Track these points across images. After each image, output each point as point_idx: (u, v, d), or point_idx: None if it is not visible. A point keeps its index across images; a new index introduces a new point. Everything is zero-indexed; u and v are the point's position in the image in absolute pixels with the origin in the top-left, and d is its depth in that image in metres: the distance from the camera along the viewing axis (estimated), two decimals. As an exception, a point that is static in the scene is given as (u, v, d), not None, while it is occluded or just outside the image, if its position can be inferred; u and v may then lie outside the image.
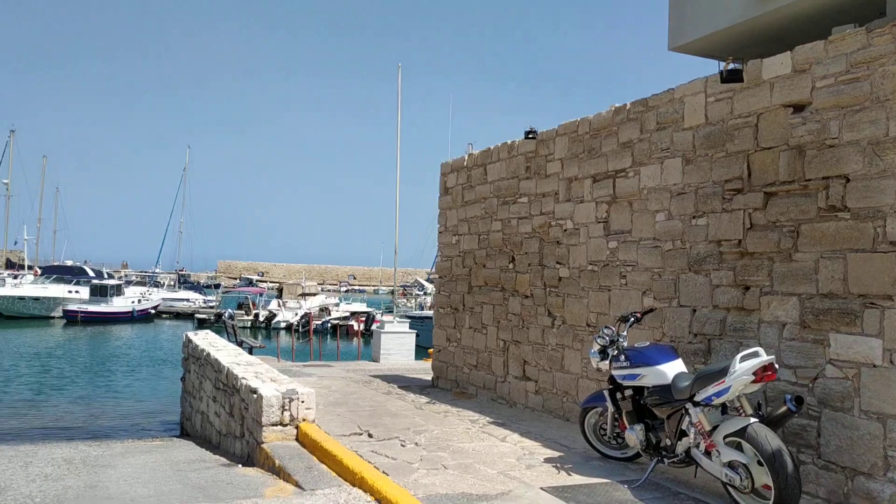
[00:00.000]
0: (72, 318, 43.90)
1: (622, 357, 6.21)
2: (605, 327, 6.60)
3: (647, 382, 5.99)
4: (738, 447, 5.22)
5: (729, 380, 5.16)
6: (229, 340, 15.62)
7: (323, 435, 7.52)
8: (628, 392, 6.21)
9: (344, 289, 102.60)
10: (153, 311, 51.17)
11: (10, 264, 67.01)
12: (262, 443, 7.78)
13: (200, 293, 63.88)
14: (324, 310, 47.22)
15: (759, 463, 5.06)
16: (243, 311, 46.99)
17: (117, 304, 47.58)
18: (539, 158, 9.47)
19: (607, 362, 6.43)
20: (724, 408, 5.50)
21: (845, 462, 5.41)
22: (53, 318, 45.28)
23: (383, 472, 6.14)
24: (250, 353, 14.36)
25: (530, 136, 9.45)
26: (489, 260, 10.53)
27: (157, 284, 63.98)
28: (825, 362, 5.60)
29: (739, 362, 5.15)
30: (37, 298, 45.91)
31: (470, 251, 11.07)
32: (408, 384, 12.14)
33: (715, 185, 6.77)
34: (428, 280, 64.73)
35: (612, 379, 6.40)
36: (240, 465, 7.96)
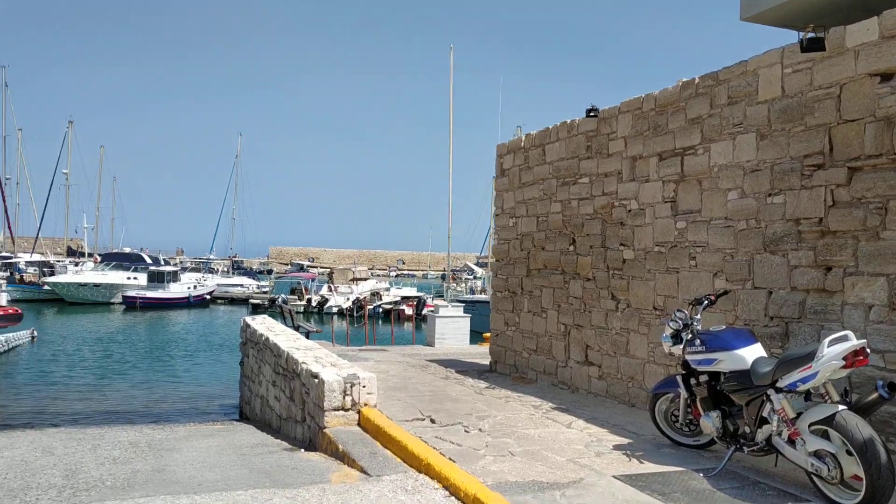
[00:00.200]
0: (131, 304, 44.96)
1: (697, 341, 5.96)
2: (678, 310, 6.35)
3: (723, 368, 5.74)
4: (825, 435, 4.95)
5: (816, 365, 4.89)
6: (286, 325, 15.71)
7: (385, 420, 7.45)
8: (703, 378, 5.96)
9: (394, 273, 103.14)
10: (208, 297, 52.12)
11: (70, 252, 68.96)
12: (325, 428, 7.75)
13: (254, 279, 64.89)
14: (375, 294, 47.45)
15: (849, 452, 4.79)
16: (296, 297, 47.55)
17: (174, 290, 48.58)
18: (601, 137, 9.20)
19: (680, 347, 6.19)
20: (807, 394, 5.23)
21: (941, 452, 5.11)
22: (113, 303, 46.46)
23: (450, 459, 6.03)
24: (307, 337, 14.42)
25: (591, 114, 9.18)
26: (548, 242, 10.31)
27: (211, 270, 65.17)
28: (918, 346, 5.29)
29: (828, 346, 4.88)
30: (97, 285, 47.12)
31: (528, 234, 10.87)
32: (465, 369, 12.04)
33: (793, 161, 6.45)
34: (477, 264, 64.63)
35: (685, 364, 6.16)
36: (302, 450, 7.95)
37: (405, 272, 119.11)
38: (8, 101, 61.03)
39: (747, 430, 5.61)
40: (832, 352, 4.84)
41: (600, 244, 9.13)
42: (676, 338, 6.26)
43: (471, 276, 60.06)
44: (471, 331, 17.87)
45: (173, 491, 5.95)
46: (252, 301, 49.90)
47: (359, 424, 7.85)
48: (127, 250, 61.49)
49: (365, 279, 55.79)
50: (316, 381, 8.19)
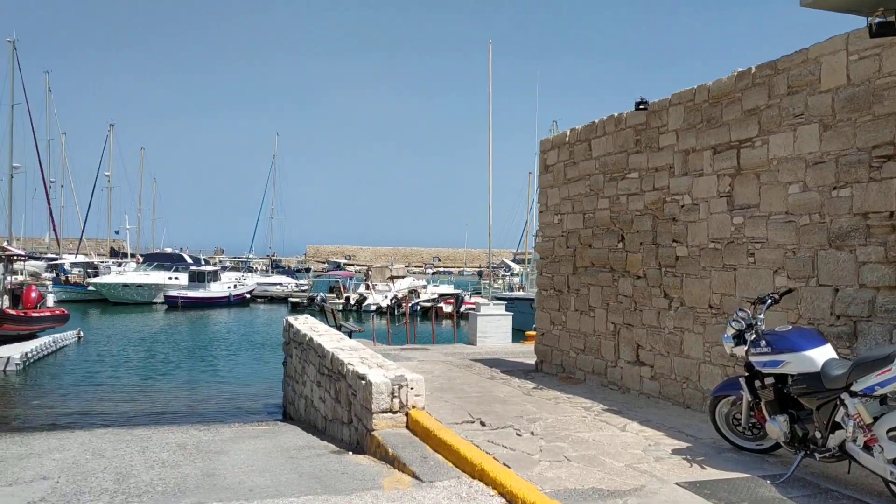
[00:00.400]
0: (172, 304, 45.57)
1: (762, 342, 5.70)
2: (740, 310, 6.10)
3: (791, 370, 5.48)
4: (905, 442, 4.68)
5: (897, 367, 4.62)
6: (328, 324, 15.69)
7: (435, 423, 7.31)
8: (769, 380, 5.70)
9: (431, 271, 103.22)
10: (248, 296, 52.65)
11: (113, 253, 70.12)
12: (373, 430, 7.64)
13: (292, 277, 65.37)
14: (412, 292, 47.42)
15: (932, 460, 4.52)
16: (334, 295, 47.76)
17: (215, 290, 49.16)
18: (650, 131, 8.94)
19: (743, 348, 5.94)
20: (883, 398, 4.96)
21: None
22: (155, 303, 47.13)
23: (504, 465, 5.87)
24: (350, 336, 14.37)
25: (641, 107, 8.93)
26: (595, 239, 10.08)
27: (250, 270, 65.80)
28: None
29: (908, 348, 4.61)
30: (140, 285, 47.83)
31: (574, 231, 10.64)
32: (510, 368, 11.86)
33: (860, 153, 6.15)
34: (514, 260, 64.28)
35: (749, 366, 5.90)
36: (350, 453, 7.85)
37: (441, 269, 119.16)
38: (52, 106, 62.19)
39: (818, 435, 5.35)
40: (914, 354, 4.57)
41: (651, 241, 8.88)
42: (739, 338, 6.01)
43: (507, 273, 59.75)
44: (512, 329, 17.69)
45: (224, 497, 5.88)
46: (291, 300, 50.26)
47: (407, 427, 7.73)
48: (168, 251, 62.36)
49: (402, 277, 55.86)
50: (363, 382, 8.08)
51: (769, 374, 5.69)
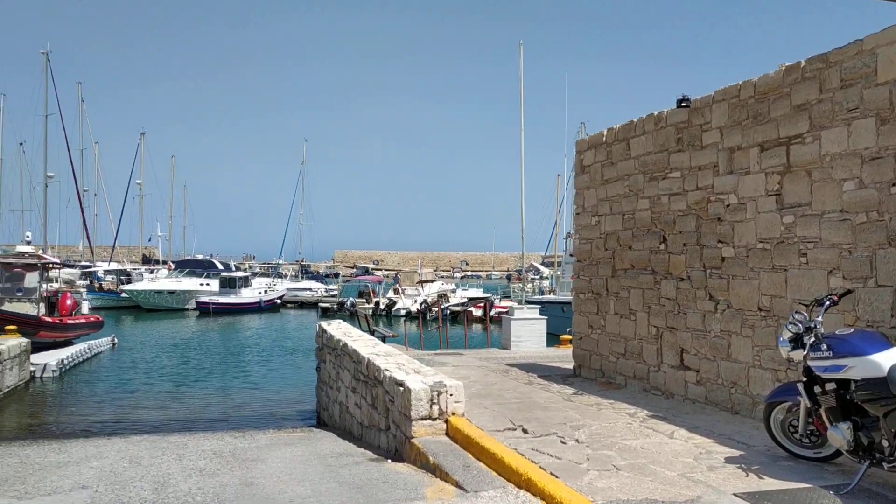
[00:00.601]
0: (204, 310, 45.87)
1: (822, 346, 5.44)
2: (796, 312, 5.84)
3: (854, 375, 5.22)
4: (982, 451, 4.41)
5: (973, 373, 4.35)
6: (361, 329, 15.58)
7: (476, 430, 7.14)
8: (829, 386, 5.44)
9: (459, 275, 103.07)
10: (279, 302, 52.85)
11: (145, 260, 70.92)
12: (412, 438, 7.48)
13: (321, 283, 65.59)
14: (442, 296, 47.26)
15: None
16: (364, 300, 47.77)
17: (246, 296, 49.39)
18: (693, 129, 8.69)
19: (801, 352, 5.68)
20: (955, 405, 4.69)
21: None
22: (187, 309, 47.49)
23: (551, 474, 5.67)
24: (383, 341, 14.25)
25: (683, 104, 8.69)
26: (636, 241, 9.83)
27: (280, 275, 66.13)
28: None
29: None
30: (172, 291, 48.23)
31: (612, 232, 10.41)
32: (548, 373, 11.64)
33: (922, 146, 5.87)
34: (543, 263, 63.89)
35: (807, 371, 5.65)
36: (389, 461, 7.70)
37: (469, 273, 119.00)
38: (84, 116, 63.09)
39: (885, 443, 5.08)
40: None
41: (695, 242, 8.62)
42: (796, 342, 5.75)
43: (537, 277, 59.41)
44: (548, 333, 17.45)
45: (265, 508, 5.76)
46: (321, 305, 50.35)
47: (447, 434, 7.56)
48: (199, 257, 62.82)
49: (431, 281, 55.72)
50: (401, 389, 7.93)
51: (830, 380, 5.43)
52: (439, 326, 20.54)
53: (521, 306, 18.06)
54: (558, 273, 43.84)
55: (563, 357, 14.21)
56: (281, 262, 74.00)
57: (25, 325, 21.00)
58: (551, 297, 35.15)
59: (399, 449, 7.95)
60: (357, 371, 10.34)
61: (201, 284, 49.35)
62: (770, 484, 5.44)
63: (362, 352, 10.23)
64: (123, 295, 47.72)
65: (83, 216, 55.55)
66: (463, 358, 14.26)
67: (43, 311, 23.38)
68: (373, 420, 9.32)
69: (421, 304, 42.19)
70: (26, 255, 24.39)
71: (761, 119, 7.62)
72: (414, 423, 7.54)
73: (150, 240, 72.41)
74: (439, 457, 6.73)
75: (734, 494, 5.16)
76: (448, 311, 42.76)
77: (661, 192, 9.27)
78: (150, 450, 9.13)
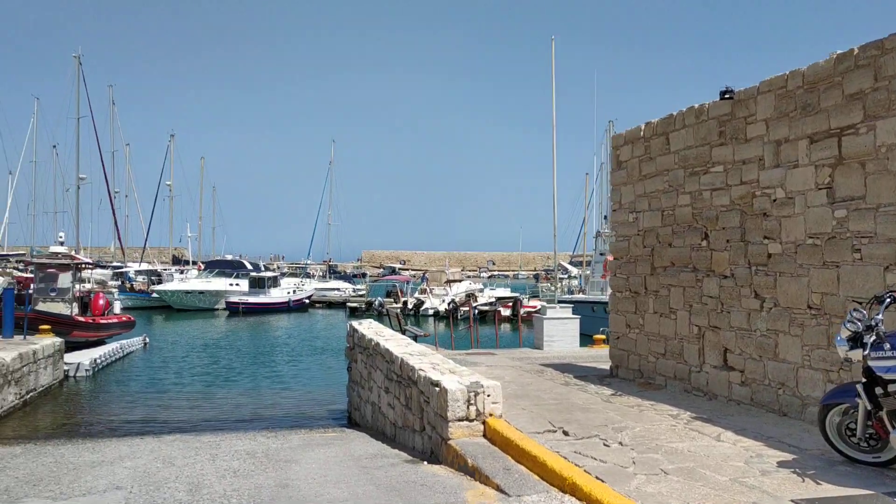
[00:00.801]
0: (234, 310, 46.14)
1: (885, 346, 5.18)
2: (854, 310, 5.57)
3: (919, 376, 4.95)
4: None
5: None
6: (392, 329, 15.45)
7: (515, 432, 6.94)
8: (893, 387, 5.18)
9: (486, 274, 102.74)
10: (307, 301, 53.00)
11: (175, 260, 71.55)
12: (449, 439, 7.31)
13: (349, 282, 65.71)
14: (470, 296, 47.05)
15: None
16: (392, 299, 47.73)
17: (275, 295, 49.60)
18: (736, 121, 8.42)
19: (860, 351, 5.41)
20: None
21: None
22: (217, 309, 47.81)
23: (597, 478, 5.46)
24: (415, 340, 14.10)
25: (727, 96, 8.41)
26: (676, 238, 9.57)
27: (308, 275, 66.36)
28: None
29: None
30: (202, 292, 48.58)
31: (651, 229, 10.15)
32: (584, 374, 11.40)
33: None
34: (571, 262, 63.41)
35: (867, 371, 5.38)
36: (425, 462, 7.54)
37: (496, 273, 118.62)
38: (115, 119, 63.77)
39: (954, 448, 4.81)
40: None
41: (739, 238, 8.35)
42: (854, 341, 5.48)
43: (565, 276, 58.93)
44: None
45: (302, 511, 5.62)
46: (349, 305, 50.41)
47: (484, 436, 7.38)
48: (229, 257, 63.22)
49: (459, 281, 55.54)
50: (437, 389, 7.77)
51: (893, 380, 5.16)
52: (470, 326, 20.32)
53: (553, 306, 17.77)
54: (587, 272, 43.39)
55: (597, 357, 13.97)
56: (309, 262, 74.26)
57: (59, 324, 21.19)
58: (581, 296, 34.76)
59: (435, 450, 7.78)
60: (390, 371, 10.20)
61: (231, 285, 49.64)
62: (828, 490, 5.18)
63: (395, 351, 10.09)
64: (154, 295, 48.17)
65: (114, 217, 56.19)
66: (495, 358, 14.07)
67: (76, 310, 23.59)
68: (407, 420, 9.16)
69: (449, 304, 42.04)
70: (60, 256, 24.63)
71: (811, 110, 7.33)
72: (450, 424, 7.37)
73: (179, 240, 73.02)
74: (478, 459, 6.55)
75: (792, 501, 4.92)
76: (476, 311, 42.58)
77: (702, 187, 9.00)
78: (183, 450, 9.06)
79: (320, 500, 6.01)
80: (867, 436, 5.68)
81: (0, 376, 14.05)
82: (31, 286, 24.29)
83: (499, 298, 46.88)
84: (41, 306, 22.55)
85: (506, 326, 36.14)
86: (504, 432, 6.96)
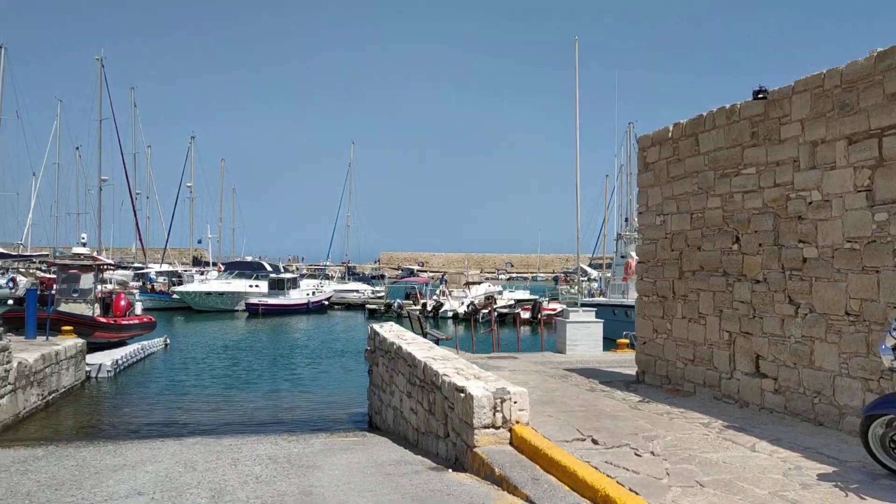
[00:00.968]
0: (253, 311, 46.24)
1: (934, 355, 4.97)
2: (899, 318, 5.36)
3: (972, 387, 4.73)
4: None
5: None
6: (413, 332, 15.32)
7: (543, 440, 6.78)
8: (942, 398, 4.96)
9: (505, 276, 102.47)
10: (326, 303, 53.03)
11: (196, 261, 71.92)
12: (475, 447, 7.15)
13: (368, 284, 65.71)
14: (489, 298, 46.86)
15: None
16: (411, 301, 47.62)
17: (294, 297, 49.65)
18: (769, 122, 8.20)
19: (906, 361, 5.20)
20: None
21: None
22: (237, 311, 47.93)
23: (630, 490, 5.28)
24: (436, 344, 13.96)
25: (760, 96, 8.20)
26: (705, 241, 9.36)
27: (326, 277, 66.43)
28: None
29: None
30: (222, 293, 48.73)
31: (679, 232, 9.94)
32: (609, 379, 11.21)
33: None
34: (590, 265, 63.01)
35: (914, 381, 5.16)
36: (449, 470, 7.39)
37: (513, 275, 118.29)
38: (137, 120, 64.27)
39: None
40: None
41: (772, 242, 8.13)
42: (901, 350, 5.27)
43: (585, 278, 58.56)
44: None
45: (327, 521, 5.49)
46: (368, 307, 50.36)
47: (511, 444, 7.22)
48: (248, 259, 63.44)
49: (478, 283, 55.33)
50: (462, 395, 7.61)
51: (942, 392, 4.94)
52: (493, 329, 20.13)
53: (575, 309, 17.56)
54: (608, 275, 43.06)
55: (621, 362, 13.75)
56: (328, 263, 74.37)
57: (81, 325, 21.25)
58: (602, 299, 34.46)
59: (459, 458, 7.63)
60: (412, 375, 10.05)
61: (250, 286, 49.74)
62: (875, 505, 4.98)
63: (418, 355, 9.95)
64: (174, 296, 48.38)
65: (136, 219, 56.68)
66: (518, 362, 13.90)
67: (98, 311, 23.68)
68: (430, 426, 9.02)
69: (468, 306, 41.86)
70: (82, 257, 24.76)
71: (849, 110, 7.11)
72: (476, 431, 7.21)
73: (200, 242, 73.42)
74: (506, 468, 6.39)
75: (837, 517, 4.72)
76: (495, 313, 42.34)
77: (733, 190, 8.78)
78: (204, 454, 8.98)
79: (345, 510, 5.88)
80: (913, 449, 5.46)
81: (23, 377, 14.08)
82: (54, 287, 24.43)
83: (518, 301, 46.65)
84: (63, 307, 22.65)
85: (525, 329, 35.89)
86: (532, 440, 6.79)
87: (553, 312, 38.74)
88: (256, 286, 49.77)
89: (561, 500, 5.52)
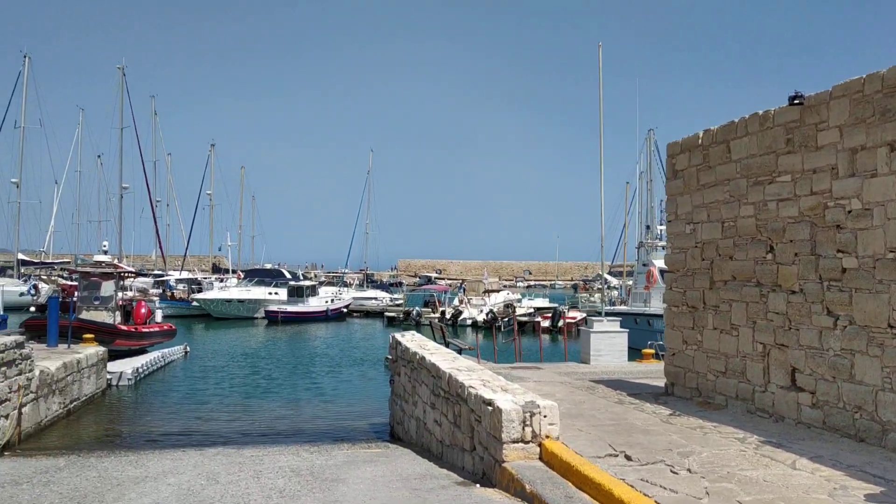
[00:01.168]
0: (273, 319, 46.23)
1: None
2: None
3: None
4: None
5: None
6: (436, 341, 15.16)
7: (575, 456, 6.58)
8: None
9: (523, 284, 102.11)
10: (345, 310, 52.98)
11: (215, 269, 72.17)
12: (503, 462, 6.97)
13: (386, 292, 65.61)
14: (508, 306, 46.59)
15: None
16: (430, 309, 47.44)
17: (313, 304, 49.61)
18: (805, 128, 7.98)
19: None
20: None
21: None
22: (256, 318, 47.94)
23: (670, 511, 5.08)
24: (459, 353, 13.79)
25: (796, 101, 7.98)
26: (738, 250, 9.13)
27: (345, 284, 66.41)
28: None
29: None
30: (241, 301, 48.79)
31: (710, 241, 9.71)
32: (637, 391, 10.98)
33: None
34: (610, 273, 62.59)
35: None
36: (477, 486, 7.22)
37: (532, 282, 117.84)
38: (157, 128, 64.80)
39: None
40: None
41: (809, 251, 7.89)
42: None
43: (605, 286, 58.08)
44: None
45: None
46: (387, 314, 50.22)
47: (541, 459, 7.03)
48: (268, 266, 63.54)
49: (497, 291, 55.09)
50: (490, 408, 7.44)
51: None
52: (515, 338, 19.91)
53: (599, 318, 17.31)
54: (629, 283, 42.66)
55: (648, 373, 13.51)
56: (346, 271, 74.36)
57: (102, 333, 21.25)
58: (624, 308, 34.09)
59: (487, 472, 7.45)
60: (437, 386, 9.88)
61: (270, 293, 49.76)
62: (928, 529, 4.74)
63: (442, 366, 9.78)
64: (194, 304, 48.51)
65: (156, 226, 57.02)
66: (542, 373, 13.69)
67: (119, 319, 23.71)
68: (455, 439, 8.84)
69: (487, 315, 41.64)
70: (104, 265, 24.82)
71: (891, 115, 6.88)
72: (505, 445, 7.03)
73: (219, 249, 73.73)
74: (537, 485, 6.20)
75: (891, 542, 4.50)
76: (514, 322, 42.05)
77: (767, 198, 8.56)
78: (226, 465, 8.87)
79: (373, 528, 5.72)
80: (966, 469, 5.22)
81: (45, 385, 14.06)
82: (76, 294, 24.49)
83: (537, 309, 46.34)
84: (84, 315, 22.69)
85: (545, 338, 35.62)
86: (563, 456, 6.60)
87: (573, 321, 38.42)
88: (276, 293, 49.76)
89: (596, 519, 5.33)
